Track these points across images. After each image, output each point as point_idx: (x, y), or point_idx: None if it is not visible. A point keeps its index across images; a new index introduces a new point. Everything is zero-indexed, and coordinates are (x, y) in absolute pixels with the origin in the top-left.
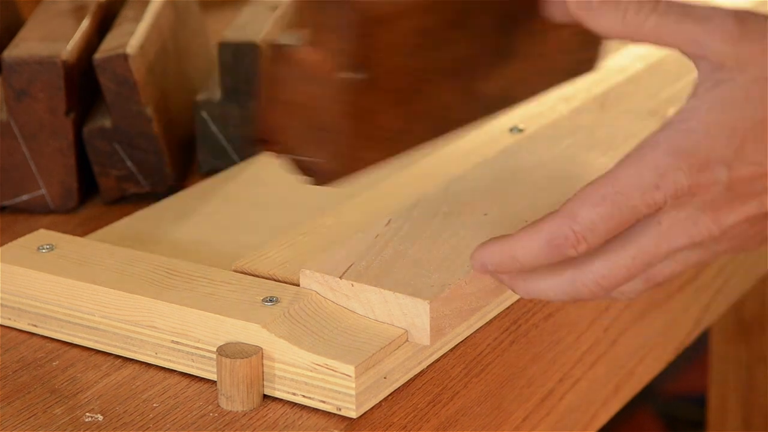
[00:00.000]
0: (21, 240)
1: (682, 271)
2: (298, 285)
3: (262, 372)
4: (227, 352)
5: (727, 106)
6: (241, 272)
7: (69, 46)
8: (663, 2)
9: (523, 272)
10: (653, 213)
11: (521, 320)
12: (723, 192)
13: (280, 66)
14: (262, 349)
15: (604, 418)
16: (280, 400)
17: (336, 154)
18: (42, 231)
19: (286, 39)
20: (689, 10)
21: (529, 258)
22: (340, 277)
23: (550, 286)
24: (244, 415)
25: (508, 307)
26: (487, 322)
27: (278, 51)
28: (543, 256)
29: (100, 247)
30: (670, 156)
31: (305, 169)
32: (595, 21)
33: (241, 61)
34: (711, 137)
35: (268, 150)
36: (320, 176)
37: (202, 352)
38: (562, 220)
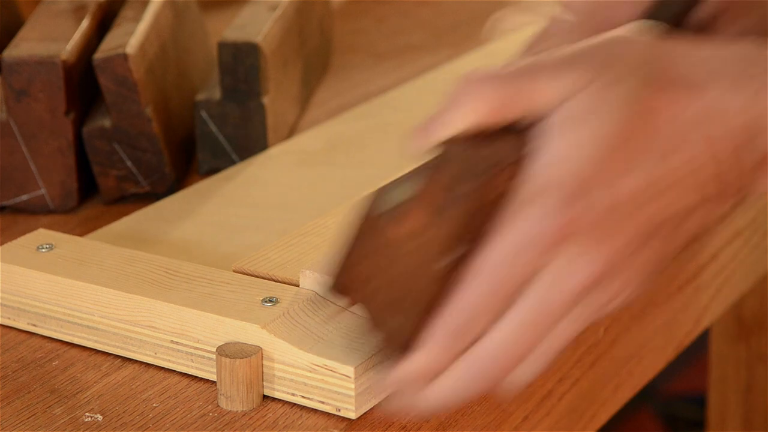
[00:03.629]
0: (21, 240)
1: (580, 330)
2: (298, 285)
3: (262, 372)
4: (227, 352)
5: (576, 124)
6: (241, 272)
7: (69, 46)
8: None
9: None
10: (540, 267)
11: None
12: (604, 216)
13: (375, 233)
14: (261, 348)
15: (604, 418)
16: (280, 400)
17: (414, 326)
18: (41, 231)
19: (381, 201)
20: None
21: (435, 367)
22: None
23: (452, 381)
24: (244, 415)
25: None
26: None
27: (374, 220)
28: (446, 357)
29: (99, 247)
30: (531, 203)
31: (377, 328)
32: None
33: (241, 61)
34: (569, 162)
35: (345, 301)
36: (393, 343)
37: (201, 352)
38: (450, 315)
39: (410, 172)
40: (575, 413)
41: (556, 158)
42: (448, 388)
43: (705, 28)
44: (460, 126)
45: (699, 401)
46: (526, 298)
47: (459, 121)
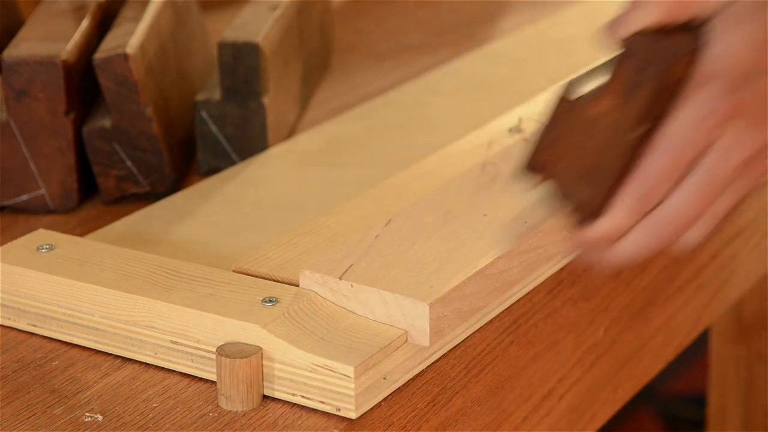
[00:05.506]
0: (21, 240)
1: (738, 201)
2: (298, 285)
3: (262, 372)
4: (227, 352)
5: (741, 22)
6: (241, 272)
7: (69, 46)
8: None
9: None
10: (712, 141)
11: (521, 320)
12: (765, 100)
13: (569, 115)
14: (261, 348)
15: (604, 418)
16: (280, 400)
17: (603, 194)
18: (42, 231)
19: (575, 89)
20: None
21: (622, 229)
22: (340, 278)
23: (636, 240)
24: (244, 415)
25: (507, 308)
26: (486, 323)
27: (570, 104)
28: (632, 220)
29: (99, 247)
30: (705, 86)
31: (566, 201)
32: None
33: (241, 61)
34: (736, 53)
35: (539, 179)
36: (582, 210)
37: (201, 352)
38: (636, 182)
39: (600, 65)
40: (575, 413)
41: (723, 51)
42: (631, 246)
43: None
44: (641, 24)
45: (699, 401)
46: (700, 168)
47: (640, 19)
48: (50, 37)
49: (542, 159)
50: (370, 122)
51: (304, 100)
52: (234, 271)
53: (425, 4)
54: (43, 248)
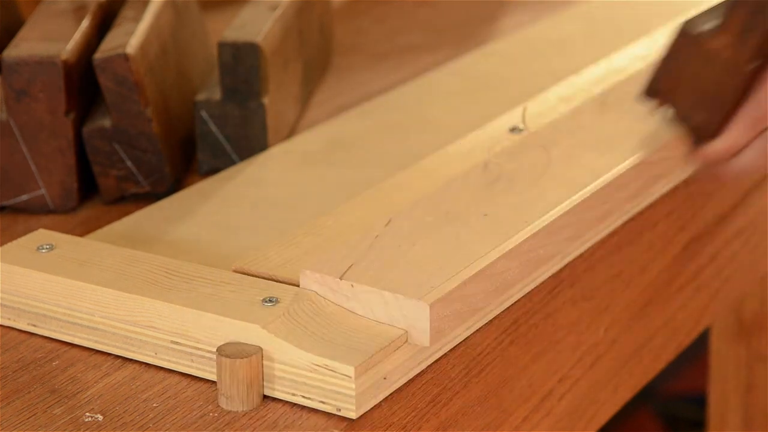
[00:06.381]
0: (21, 240)
1: None
2: (298, 285)
3: (262, 372)
4: (227, 352)
5: None
6: (241, 272)
7: (69, 46)
8: None
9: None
10: None
11: (521, 320)
12: None
13: (689, 48)
14: (262, 349)
15: (604, 418)
16: (280, 400)
17: (719, 118)
18: (42, 231)
19: (696, 25)
20: None
21: (738, 146)
22: (340, 278)
23: (751, 156)
24: (244, 415)
25: (507, 308)
26: (486, 323)
27: (690, 38)
28: (747, 139)
29: (100, 247)
30: None
31: (684, 123)
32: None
33: (241, 61)
34: None
35: (657, 104)
36: (699, 132)
37: (201, 353)
38: (751, 106)
39: (718, 5)
40: (575, 413)
41: None
42: (747, 161)
43: None
44: None
45: (699, 401)
46: None
47: None
48: (50, 37)
49: (661, 86)
50: (370, 122)
51: (304, 100)
52: (234, 271)
53: (425, 3)
54: (43, 248)
